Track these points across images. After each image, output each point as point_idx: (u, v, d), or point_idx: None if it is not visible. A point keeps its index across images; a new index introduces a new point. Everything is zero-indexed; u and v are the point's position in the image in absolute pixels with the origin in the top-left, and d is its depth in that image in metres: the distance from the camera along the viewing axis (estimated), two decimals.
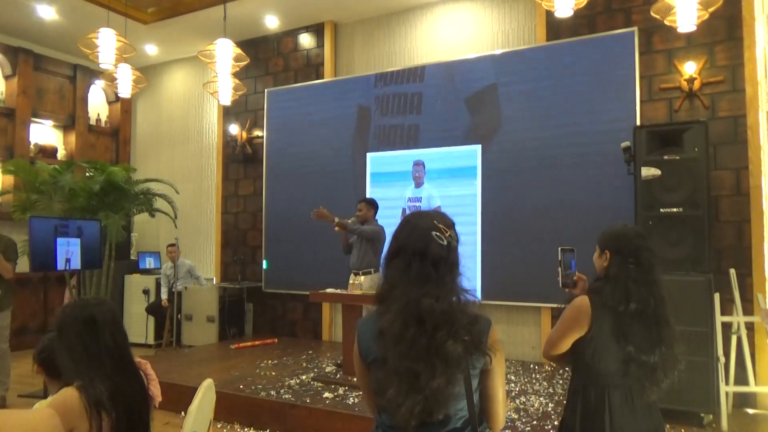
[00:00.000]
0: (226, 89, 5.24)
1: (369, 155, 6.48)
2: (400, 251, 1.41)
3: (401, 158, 6.25)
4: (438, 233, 1.40)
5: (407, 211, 6.09)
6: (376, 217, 5.26)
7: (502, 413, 1.46)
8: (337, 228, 4.97)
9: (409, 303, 1.34)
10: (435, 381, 1.29)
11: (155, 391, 1.88)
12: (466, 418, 1.38)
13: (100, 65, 4.94)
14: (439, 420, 1.34)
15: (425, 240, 1.39)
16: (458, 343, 1.31)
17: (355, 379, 4.59)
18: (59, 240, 5.08)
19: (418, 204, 6.15)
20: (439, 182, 6.04)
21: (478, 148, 5.82)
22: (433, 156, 6.06)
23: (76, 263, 5.27)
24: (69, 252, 5.16)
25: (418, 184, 6.16)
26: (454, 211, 5.84)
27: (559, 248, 2.06)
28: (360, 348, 1.45)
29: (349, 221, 5.01)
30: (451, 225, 1.45)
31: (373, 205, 5.20)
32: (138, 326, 7.35)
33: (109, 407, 1.63)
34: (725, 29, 4.78)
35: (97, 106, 8.37)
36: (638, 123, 4.92)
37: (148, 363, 1.94)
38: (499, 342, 1.43)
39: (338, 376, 4.77)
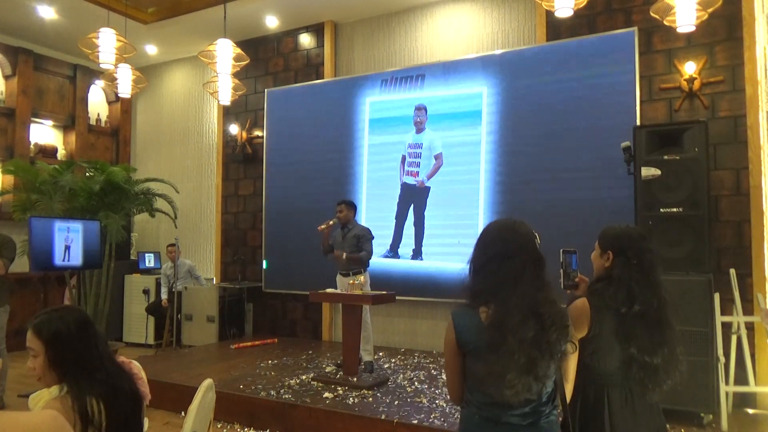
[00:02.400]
0: (226, 89, 5.24)
1: (369, 100, 6.48)
2: (514, 254, 1.59)
3: (403, 102, 6.29)
4: (536, 239, 1.65)
5: (407, 158, 6.13)
6: (356, 218, 5.37)
7: (570, 391, 1.75)
8: (322, 227, 5.19)
9: (525, 297, 1.53)
10: (546, 364, 1.51)
11: (144, 390, 1.88)
12: (549, 393, 1.62)
13: (100, 65, 4.93)
14: (536, 396, 1.57)
15: (534, 245, 1.63)
16: (558, 331, 1.54)
17: (355, 379, 4.60)
18: (57, 229, 5.11)
19: (418, 150, 6.15)
20: (441, 128, 6.06)
21: (483, 90, 5.82)
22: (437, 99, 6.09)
23: (77, 257, 5.28)
24: (69, 239, 5.18)
25: (419, 130, 6.15)
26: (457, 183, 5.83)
27: (561, 250, 2.05)
28: (458, 337, 1.62)
29: (330, 222, 5.16)
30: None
31: (352, 206, 5.29)
32: (138, 326, 7.36)
33: (98, 421, 1.60)
34: (725, 29, 4.78)
35: (97, 106, 8.37)
36: (638, 123, 4.92)
37: (133, 362, 1.93)
38: None
39: (338, 376, 4.77)
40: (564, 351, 1.59)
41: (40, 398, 1.66)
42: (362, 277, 4.97)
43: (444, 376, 4.79)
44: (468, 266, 1.66)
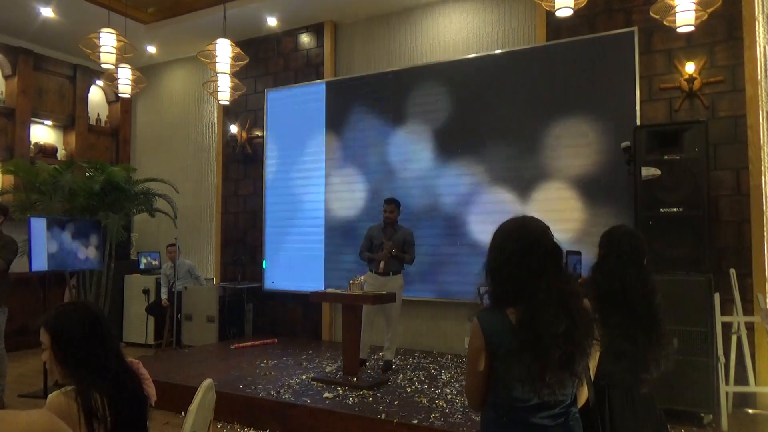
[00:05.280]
0: (225, 89, 5.24)
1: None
2: (532, 249, 1.53)
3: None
4: (550, 233, 1.60)
5: None
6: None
7: (585, 393, 1.68)
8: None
9: (552, 290, 1.48)
10: (579, 359, 1.48)
11: (150, 390, 1.88)
12: (574, 393, 1.59)
13: (101, 65, 4.93)
14: (567, 395, 1.55)
15: (549, 237, 1.58)
16: (586, 326, 1.50)
17: (355, 379, 4.59)
18: (57, 229, 5.14)
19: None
20: None
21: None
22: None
23: (77, 257, 5.30)
24: (68, 239, 5.22)
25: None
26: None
27: (565, 251, 2.06)
28: (488, 341, 1.54)
29: (388, 245, 5.06)
30: None
31: (399, 205, 5.33)
32: (138, 326, 7.35)
33: (102, 416, 1.61)
34: (725, 29, 4.77)
35: (97, 106, 8.37)
36: (638, 123, 4.92)
37: (140, 363, 1.94)
38: None
39: (338, 376, 4.77)
40: (592, 347, 1.54)
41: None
42: (362, 278, 4.97)
43: (444, 377, 4.81)
44: (485, 271, 1.60)
